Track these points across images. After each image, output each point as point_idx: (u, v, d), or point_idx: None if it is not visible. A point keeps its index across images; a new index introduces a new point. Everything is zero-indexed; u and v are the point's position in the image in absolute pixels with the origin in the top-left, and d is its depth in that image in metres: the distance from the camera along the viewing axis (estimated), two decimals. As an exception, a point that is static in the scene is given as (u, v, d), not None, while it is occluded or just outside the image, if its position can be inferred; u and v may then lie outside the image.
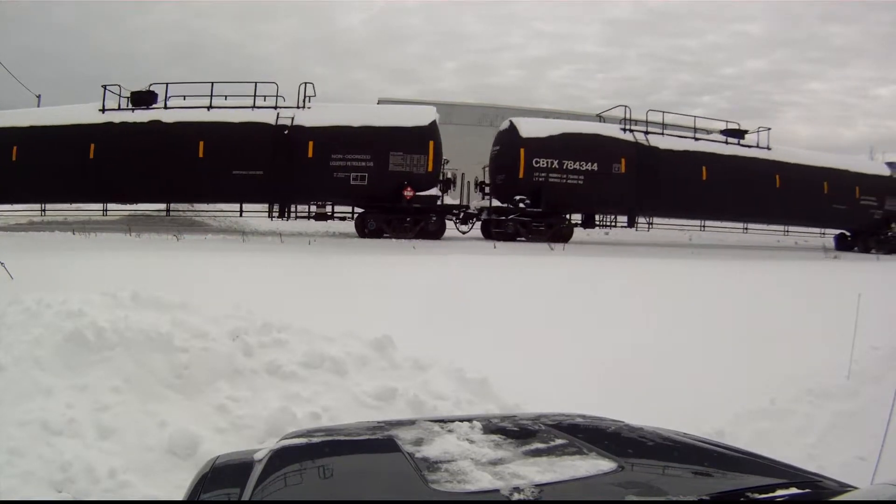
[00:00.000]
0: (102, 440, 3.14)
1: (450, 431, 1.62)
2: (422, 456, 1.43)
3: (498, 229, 15.19)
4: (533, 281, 8.25)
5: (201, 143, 13.33)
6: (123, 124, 13.63)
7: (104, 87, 13.98)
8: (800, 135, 77.74)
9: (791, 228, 20.97)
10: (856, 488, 1.23)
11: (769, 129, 18.42)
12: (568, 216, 16.37)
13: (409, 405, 3.84)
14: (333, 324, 4.68)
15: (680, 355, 5.15)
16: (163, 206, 15.94)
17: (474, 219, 15.95)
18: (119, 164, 13.29)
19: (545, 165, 15.21)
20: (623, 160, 15.82)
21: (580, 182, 15.48)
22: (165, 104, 14.10)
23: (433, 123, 14.61)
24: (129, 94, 14.20)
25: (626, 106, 16.77)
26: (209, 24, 79.40)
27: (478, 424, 1.68)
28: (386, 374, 4.23)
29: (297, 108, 14.23)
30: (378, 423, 1.87)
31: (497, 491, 1.21)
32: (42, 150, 13.20)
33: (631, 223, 17.27)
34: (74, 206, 15.46)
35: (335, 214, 15.40)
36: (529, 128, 15.58)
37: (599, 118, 17.81)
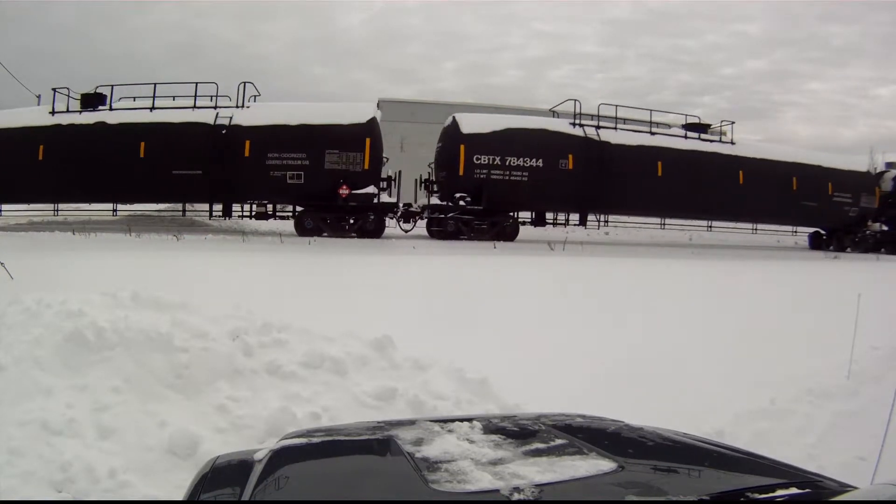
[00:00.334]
0: (102, 440, 3.14)
1: (450, 431, 1.62)
2: (422, 456, 1.43)
3: (438, 228, 14.95)
4: (532, 281, 8.26)
5: (142, 144, 13.54)
6: (71, 126, 13.94)
7: (54, 89, 14.38)
8: (800, 135, 77.78)
9: (760, 226, 20.20)
10: (856, 488, 1.23)
11: (733, 122, 17.79)
12: (514, 214, 15.89)
13: (409, 405, 3.83)
14: (333, 324, 4.68)
15: (680, 355, 5.15)
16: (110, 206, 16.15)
17: (417, 217, 15.66)
18: (67, 166, 13.52)
19: (487, 162, 14.79)
20: (570, 156, 15.28)
21: (524, 179, 15.00)
22: (110, 106, 14.42)
23: (372, 121, 14.48)
24: (79, 97, 14.57)
25: (575, 100, 16.16)
26: (209, 24, 79.41)
27: (478, 424, 1.67)
28: (386, 374, 4.22)
29: (237, 107, 14.35)
30: (378, 423, 1.87)
31: (497, 491, 1.21)
32: None
33: (583, 221, 16.76)
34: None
35: (277, 214, 15.58)
36: (471, 123, 15.17)
37: (553, 113, 17.10)
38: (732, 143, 17.33)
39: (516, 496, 1.18)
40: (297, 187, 14.05)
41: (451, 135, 15.29)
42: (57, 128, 13.87)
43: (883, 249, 18.93)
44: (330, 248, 11.86)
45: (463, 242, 14.34)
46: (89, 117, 14.10)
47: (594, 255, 12.22)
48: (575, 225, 17.00)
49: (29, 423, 3.10)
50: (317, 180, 13.94)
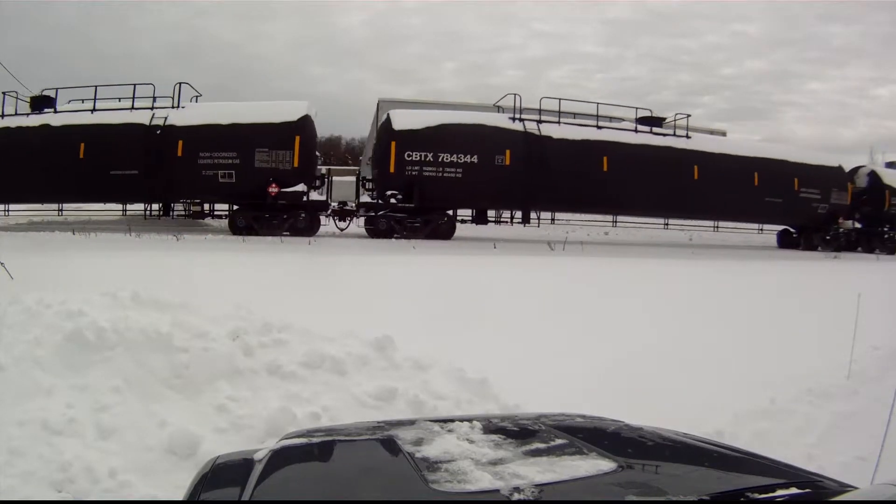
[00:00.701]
0: (102, 440, 3.14)
1: (450, 431, 1.62)
2: (422, 456, 1.43)
3: (370, 226, 14.79)
4: (532, 280, 8.26)
5: (82, 145, 13.77)
6: (19, 129, 14.28)
7: (3, 93, 14.84)
8: (799, 135, 77.97)
9: (722, 224, 19.39)
10: (856, 488, 1.23)
11: (689, 115, 16.89)
12: (451, 212, 15.54)
13: (409, 405, 3.84)
14: (333, 323, 4.68)
15: (680, 355, 5.15)
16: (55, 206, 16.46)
17: (352, 215, 15.55)
18: (15, 167, 13.75)
19: (419, 159, 14.46)
20: (508, 151, 14.77)
21: (458, 176, 14.54)
22: (55, 108, 14.80)
23: (303, 119, 14.50)
24: (28, 99, 15.05)
25: (515, 94, 15.49)
26: (209, 24, 79.49)
27: (478, 424, 1.67)
28: (386, 373, 4.22)
29: (173, 108, 14.54)
30: (378, 423, 1.87)
31: (497, 491, 1.21)
32: None
33: (525, 219, 16.30)
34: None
35: (215, 213, 15.81)
36: (404, 120, 14.87)
37: (498, 109, 16.28)
38: (688, 136, 16.64)
39: (516, 496, 1.18)
40: (229, 186, 14.18)
41: (384, 132, 15.16)
42: (5, 130, 14.24)
43: (860, 248, 18.29)
44: (331, 249, 11.87)
45: (457, 242, 14.29)
46: (35, 120, 14.45)
47: (594, 256, 12.22)
48: (518, 223, 16.52)
49: (29, 423, 3.10)
50: (247, 179, 14.04)
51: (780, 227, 19.56)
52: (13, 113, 14.73)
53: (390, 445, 1.55)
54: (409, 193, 14.49)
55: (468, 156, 14.63)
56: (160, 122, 14.03)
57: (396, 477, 1.36)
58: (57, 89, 15.05)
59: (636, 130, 16.30)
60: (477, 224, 16.32)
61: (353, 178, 16.46)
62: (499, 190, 14.94)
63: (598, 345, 5.26)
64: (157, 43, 74.11)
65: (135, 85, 14.58)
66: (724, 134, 28.28)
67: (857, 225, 18.86)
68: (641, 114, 16.99)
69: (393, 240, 14.17)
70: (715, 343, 5.59)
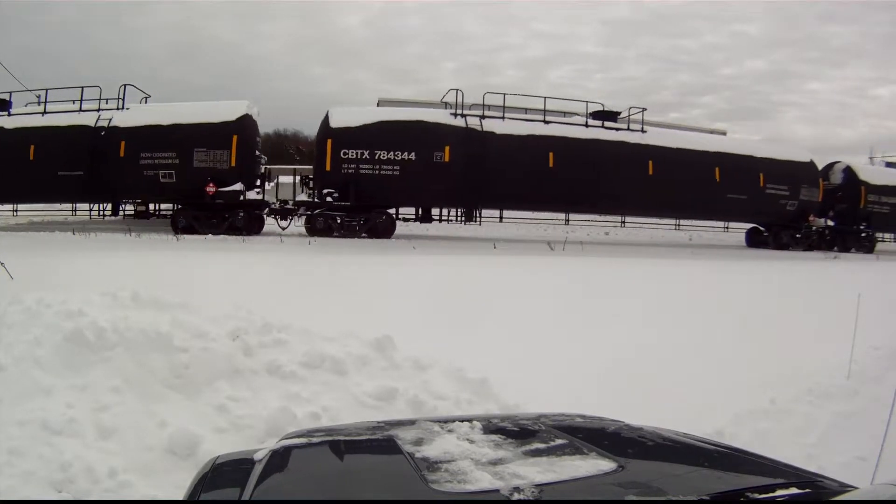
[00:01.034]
0: (102, 440, 3.14)
1: (450, 431, 1.62)
2: (422, 456, 1.43)
3: (308, 225, 14.74)
4: (532, 280, 8.26)
5: (32, 147, 13.97)
6: None
7: None
8: (799, 135, 77.96)
9: (683, 222, 18.95)
10: (856, 488, 1.23)
11: (644, 109, 16.24)
12: (393, 210, 15.35)
13: (409, 405, 3.83)
14: (333, 323, 4.68)
15: (680, 355, 5.16)
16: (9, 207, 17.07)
17: (294, 214, 15.48)
18: None
19: (355, 156, 14.35)
20: (447, 148, 14.45)
21: (395, 173, 14.33)
22: (9, 111, 15.07)
23: (242, 119, 14.57)
24: None
25: (457, 90, 15.17)
26: (209, 24, 79.50)
27: (478, 424, 1.67)
28: (386, 373, 4.22)
29: (118, 109, 14.73)
30: (378, 423, 1.87)
31: (497, 491, 1.21)
32: None
33: (468, 217, 16.00)
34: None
35: (160, 213, 16.02)
36: (341, 117, 14.79)
37: (445, 105, 15.85)
38: (643, 131, 16.02)
39: (516, 496, 1.18)
40: (170, 185, 14.30)
41: (321, 130, 15.14)
42: None
43: (836, 248, 17.56)
44: (329, 249, 11.86)
45: (458, 242, 14.26)
46: None
47: (593, 256, 12.23)
48: (462, 222, 16.30)
49: (29, 423, 3.10)
50: (187, 179, 14.14)
51: (749, 226, 18.91)
52: None
53: (390, 445, 1.55)
54: (345, 191, 14.41)
55: (406, 153, 14.39)
56: (104, 124, 14.25)
57: (396, 477, 1.36)
58: (11, 93, 15.52)
59: (587, 125, 15.88)
60: (422, 222, 16.09)
61: (298, 178, 16.48)
62: (438, 187, 14.62)
63: (598, 344, 5.26)
64: (157, 43, 74.14)
65: (82, 87, 14.85)
66: (724, 133, 28.21)
67: (830, 223, 18.10)
68: (593, 108, 16.49)
69: (392, 240, 14.17)
70: (715, 343, 5.59)
